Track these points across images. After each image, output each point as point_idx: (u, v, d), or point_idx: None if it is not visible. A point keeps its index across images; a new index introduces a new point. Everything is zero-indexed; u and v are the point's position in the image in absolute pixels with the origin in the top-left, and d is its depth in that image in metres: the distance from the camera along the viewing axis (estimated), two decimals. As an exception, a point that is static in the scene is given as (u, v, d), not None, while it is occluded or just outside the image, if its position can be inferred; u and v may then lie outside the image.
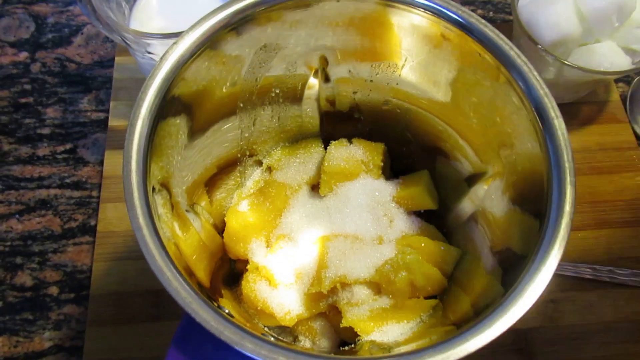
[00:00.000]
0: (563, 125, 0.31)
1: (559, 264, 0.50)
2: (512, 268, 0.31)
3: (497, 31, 0.34)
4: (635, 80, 0.63)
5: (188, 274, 0.30)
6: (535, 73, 0.32)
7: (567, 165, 0.30)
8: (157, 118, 0.31)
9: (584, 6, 0.51)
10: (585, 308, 0.51)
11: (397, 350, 0.31)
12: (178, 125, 0.35)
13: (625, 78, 0.64)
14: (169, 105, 0.33)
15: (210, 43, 0.34)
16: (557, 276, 0.50)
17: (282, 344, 0.26)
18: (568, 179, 0.30)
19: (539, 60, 0.52)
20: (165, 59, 0.32)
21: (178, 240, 0.33)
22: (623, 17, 0.52)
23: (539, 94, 0.32)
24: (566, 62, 0.51)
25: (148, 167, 0.30)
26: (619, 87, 0.63)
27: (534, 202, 0.31)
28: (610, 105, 0.62)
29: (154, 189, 0.31)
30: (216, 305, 0.28)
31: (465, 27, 0.34)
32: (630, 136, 0.60)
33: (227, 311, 0.31)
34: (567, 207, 0.29)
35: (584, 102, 0.61)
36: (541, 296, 0.27)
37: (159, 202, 0.32)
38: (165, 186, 0.33)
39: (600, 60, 0.52)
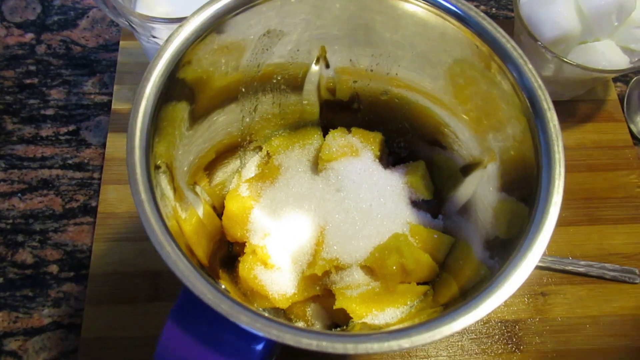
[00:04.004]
0: (555, 117, 0.32)
1: (551, 258, 0.52)
2: (500, 254, 0.32)
3: (494, 23, 0.35)
4: (633, 80, 0.63)
5: (188, 251, 0.31)
6: (530, 65, 0.33)
7: (557, 156, 0.31)
8: (161, 99, 0.32)
9: (585, 4, 0.52)
10: (574, 302, 0.52)
11: (386, 329, 0.32)
12: (181, 107, 0.35)
13: (623, 77, 0.64)
14: (173, 86, 0.33)
15: (214, 27, 0.35)
16: (548, 270, 0.52)
17: (276, 319, 0.27)
18: (557, 169, 0.30)
19: (539, 57, 0.53)
20: (171, 41, 0.33)
21: (179, 219, 0.34)
22: (623, 16, 0.53)
23: (533, 86, 0.32)
24: (565, 60, 0.51)
25: (151, 146, 0.31)
26: (617, 87, 0.64)
27: (524, 191, 0.32)
28: (608, 104, 0.62)
29: (157, 167, 0.32)
30: (214, 281, 0.29)
31: (463, 19, 0.35)
32: (626, 135, 0.60)
33: (223, 287, 0.32)
34: (555, 197, 0.30)
35: (582, 100, 0.62)
36: (529, 287, 0.28)
37: (161, 181, 0.32)
38: (168, 166, 0.34)
39: (598, 59, 0.53)
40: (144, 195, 0.28)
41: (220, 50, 0.37)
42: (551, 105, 0.32)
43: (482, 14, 0.35)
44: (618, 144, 0.60)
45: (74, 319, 0.50)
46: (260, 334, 0.26)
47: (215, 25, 0.35)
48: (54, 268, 0.52)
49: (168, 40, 0.33)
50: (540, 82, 0.33)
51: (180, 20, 0.45)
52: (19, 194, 0.55)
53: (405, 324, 0.29)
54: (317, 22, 0.39)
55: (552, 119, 0.32)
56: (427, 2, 0.36)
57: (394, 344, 0.26)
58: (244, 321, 0.26)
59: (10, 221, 0.53)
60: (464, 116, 0.40)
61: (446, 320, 0.27)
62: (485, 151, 0.38)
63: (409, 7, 0.36)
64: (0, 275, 0.51)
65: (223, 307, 0.27)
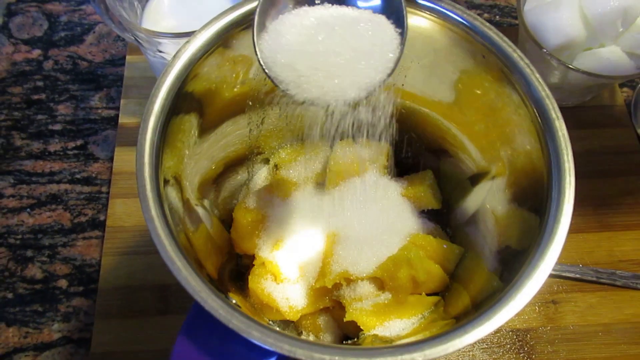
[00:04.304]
0: (564, 126, 0.32)
1: (561, 265, 0.51)
2: (511, 265, 0.31)
3: (500, 34, 0.35)
4: (640, 85, 0.63)
5: (197, 265, 0.31)
6: (537, 75, 0.33)
7: (567, 165, 0.31)
8: (169, 114, 0.32)
9: (589, 11, 0.52)
10: (586, 309, 0.51)
11: (398, 342, 0.32)
12: (189, 121, 0.36)
13: (629, 83, 0.64)
14: (181, 102, 0.34)
15: (222, 42, 0.35)
16: (558, 278, 0.52)
17: (287, 334, 0.27)
18: (567, 178, 0.30)
19: (544, 64, 0.53)
20: (178, 57, 0.33)
21: (188, 233, 0.34)
22: (628, 22, 0.53)
23: (541, 95, 0.32)
24: (571, 66, 0.51)
25: (160, 161, 0.31)
26: (624, 92, 0.63)
27: (534, 201, 0.32)
28: (615, 109, 0.62)
29: (165, 181, 0.32)
30: (224, 295, 0.29)
31: (469, 30, 0.35)
32: (633, 140, 0.60)
33: (234, 302, 0.32)
34: (566, 207, 0.30)
35: (588, 105, 0.62)
36: (540, 295, 0.28)
37: (170, 196, 0.32)
38: (176, 180, 0.34)
39: (604, 65, 0.53)
40: (154, 212, 0.29)
41: (227, 65, 0.37)
42: (559, 115, 0.32)
43: (487, 23, 0.35)
44: (626, 150, 0.60)
45: (83, 333, 0.50)
46: (272, 349, 0.26)
47: (222, 40, 0.35)
48: (63, 283, 0.52)
49: (175, 56, 0.33)
50: (547, 91, 0.33)
51: (186, 35, 0.45)
52: (28, 209, 0.55)
53: (418, 337, 0.29)
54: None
55: (560, 128, 0.32)
56: (432, 12, 0.36)
57: (407, 358, 0.26)
58: (256, 337, 0.26)
59: (20, 236, 0.54)
60: (471, 126, 0.40)
61: (459, 333, 0.27)
62: (493, 161, 0.38)
63: (414, 18, 0.37)
64: (10, 290, 0.51)
65: (234, 322, 0.27)
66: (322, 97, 0.31)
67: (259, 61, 0.32)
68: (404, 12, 0.32)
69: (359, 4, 0.33)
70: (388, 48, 0.32)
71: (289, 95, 0.31)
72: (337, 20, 0.32)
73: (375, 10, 0.33)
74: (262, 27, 0.32)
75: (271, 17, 0.32)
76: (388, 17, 0.33)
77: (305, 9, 0.32)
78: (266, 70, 0.32)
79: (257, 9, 0.32)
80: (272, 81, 0.32)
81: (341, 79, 0.31)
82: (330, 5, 0.33)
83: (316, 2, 0.32)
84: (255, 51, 0.32)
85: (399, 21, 0.32)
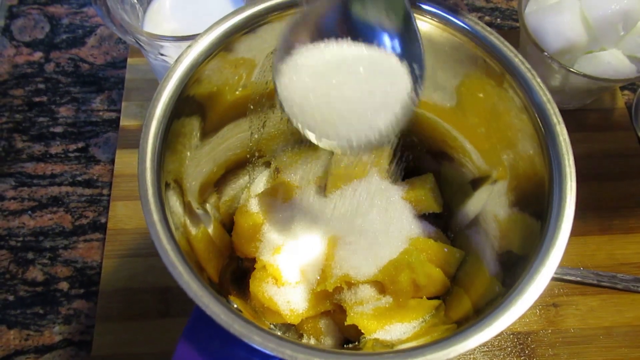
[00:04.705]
0: (565, 131, 0.32)
1: (562, 269, 0.52)
2: (513, 269, 0.31)
3: (502, 38, 0.35)
4: (641, 88, 0.63)
5: (199, 269, 0.31)
6: (539, 79, 0.33)
7: (568, 170, 0.31)
8: (171, 118, 0.32)
9: (590, 14, 0.52)
10: (586, 313, 0.51)
11: (399, 347, 0.32)
12: (191, 125, 0.36)
13: (630, 86, 0.64)
14: (183, 106, 0.34)
15: (224, 46, 0.35)
16: (559, 281, 0.52)
17: (289, 338, 0.27)
18: (569, 183, 0.30)
19: (545, 67, 0.53)
20: (180, 61, 0.33)
21: (189, 237, 0.34)
22: (629, 25, 0.53)
23: (542, 100, 0.33)
24: (572, 70, 0.51)
25: (162, 166, 0.31)
26: (625, 95, 0.63)
27: (535, 205, 0.32)
28: (616, 112, 0.62)
29: (167, 185, 0.32)
30: (225, 300, 0.29)
31: (471, 34, 0.35)
32: (634, 143, 0.60)
33: (235, 306, 0.32)
34: (568, 211, 0.30)
35: (589, 108, 0.62)
36: (541, 298, 0.28)
37: (172, 200, 0.32)
38: (178, 184, 0.34)
39: (605, 68, 0.53)
40: (155, 216, 0.29)
41: (229, 68, 0.37)
42: (561, 119, 0.32)
43: (488, 28, 0.35)
44: (626, 153, 0.60)
45: (84, 336, 0.50)
46: (273, 354, 0.26)
47: (224, 44, 0.35)
48: (64, 285, 0.52)
49: (177, 61, 0.33)
50: (549, 96, 0.33)
51: (188, 39, 0.45)
52: (29, 212, 0.55)
53: (419, 341, 0.29)
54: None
55: (561, 133, 0.32)
56: (434, 17, 0.36)
57: (409, 363, 0.26)
58: (257, 341, 0.26)
59: (21, 239, 0.54)
60: (472, 130, 0.40)
61: (460, 338, 0.27)
62: (494, 165, 0.38)
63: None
64: (11, 293, 0.51)
65: (236, 327, 0.27)
66: (337, 142, 0.31)
67: (279, 101, 0.32)
68: (423, 56, 0.32)
69: (376, 42, 0.33)
70: (404, 94, 0.31)
71: (306, 137, 0.32)
72: (352, 61, 0.31)
73: (393, 50, 0.32)
74: (281, 60, 0.32)
75: (289, 51, 0.32)
76: (406, 58, 0.32)
77: (322, 47, 0.32)
78: (285, 110, 0.32)
79: (277, 46, 0.32)
80: (290, 121, 0.32)
81: (355, 124, 0.31)
82: (346, 42, 0.32)
83: (334, 38, 0.32)
84: (276, 89, 0.32)
85: (417, 63, 0.32)
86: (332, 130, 0.31)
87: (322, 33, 0.32)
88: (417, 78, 0.32)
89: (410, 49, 0.32)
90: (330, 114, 0.31)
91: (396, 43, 0.33)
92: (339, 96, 0.30)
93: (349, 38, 0.32)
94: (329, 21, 0.32)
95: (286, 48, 0.32)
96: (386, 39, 0.32)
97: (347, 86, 0.31)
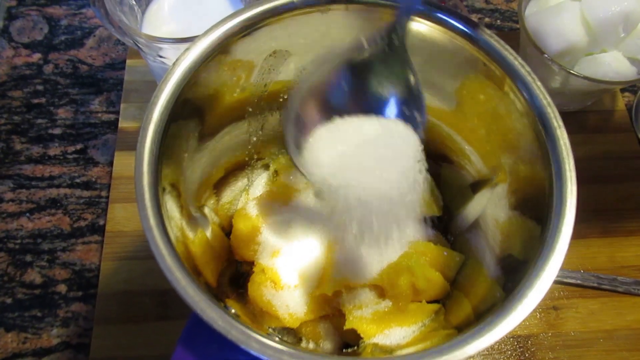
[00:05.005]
0: (565, 135, 0.32)
1: (562, 271, 0.51)
2: (513, 273, 0.31)
3: (502, 41, 0.35)
4: (641, 90, 0.63)
5: (196, 274, 0.30)
6: (539, 83, 0.33)
7: (569, 174, 0.31)
8: (169, 122, 0.32)
9: (591, 16, 0.52)
10: (587, 316, 0.51)
11: (399, 353, 0.32)
12: (189, 128, 0.36)
13: (631, 88, 0.64)
14: (181, 109, 0.33)
15: (222, 49, 0.35)
16: (559, 284, 0.52)
17: (287, 345, 0.27)
18: (569, 187, 0.30)
19: (545, 69, 0.53)
20: (178, 64, 0.33)
21: (187, 241, 0.33)
22: (629, 27, 0.52)
23: (542, 104, 0.32)
24: (572, 72, 0.51)
25: (159, 170, 0.31)
26: (625, 97, 0.63)
27: (536, 209, 0.32)
28: (616, 114, 0.62)
29: (164, 189, 0.32)
30: (223, 305, 0.29)
31: (471, 37, 0.35)
32: (635, 145, 0.60)
33: (233, 311, 0.32)
34: (568, 215, 0.30)
35: (589, 110, 0.62)
36: (541, 301, 0.28)
37: (169, 204, 0.32)
38: (175, 188, 0.34)
39: (605, 70, 0.53)
40: (152, 221, 0.28)
41: (227, 71, 0.37)
42: (561, 123, 0.32)
43: (488, 31, 0.35)
44: (627, 155, 0.60)
45: (82, 338, 0.49)
46: (272, 360, 0.26)
47: (223, 47, 0.35)
48: (62, 288, 0.52)
49: (175, 63, 0.33)
50: (549, 99, 0.32)
51: (186, 41, 0.45)
52: (28, 214, 0.55)
53: (419, 347, 0.29)
54: (324, 42, 0.39)
55: (562, 137, 0.31)
56: (434, 20, 0.36)
57: (408, 369, 0.26)
58: (255, 348, 0.26)
59: (19, 241, 0.53)
60: (472, 133, 0.39)
61: (460, 344, 0.26)
62: (494, 168, 0.38)
63: (416, 26, 0.36)
64: (9, 295, 0.51)
65: (234, 333, 0.27)
66: (358, 206, 0.34)
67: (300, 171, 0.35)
68: (425, 108, 0.34)
69: (384, 111, 0.35)
70: (413, 158, 0.34)
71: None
72: (365, 134, 0.33)
73: (397, 115, 0.35)
74: (299, 137, 0.34)
75: (304, 129, 0.34)
76: (405, 114, 0.34)
77: (333, 126, 0.34)
78: (310, 179, 0.35)
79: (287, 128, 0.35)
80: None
81: (374, 190, 0.33)
82: (355, 117, 0.34)
83: (344, 115, 0.34)
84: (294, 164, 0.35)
85: (419, 112, 0.34)
86: (354, 199, 0.34)
87: (332, 109, 0.34)
88: (417, 125, 0.34)
89: (415, 102, 0.35)
90: (349, 185, 0.34)
91: (402, 106, 0.35)
92: (356, 168, 0.33)
93: (360, 113, 0.34)
94: (337, 95, 0.35)
95: (298, 125, 0.35)
96: (392, 106, 0.35)
97: (363, 158, 0.33)
